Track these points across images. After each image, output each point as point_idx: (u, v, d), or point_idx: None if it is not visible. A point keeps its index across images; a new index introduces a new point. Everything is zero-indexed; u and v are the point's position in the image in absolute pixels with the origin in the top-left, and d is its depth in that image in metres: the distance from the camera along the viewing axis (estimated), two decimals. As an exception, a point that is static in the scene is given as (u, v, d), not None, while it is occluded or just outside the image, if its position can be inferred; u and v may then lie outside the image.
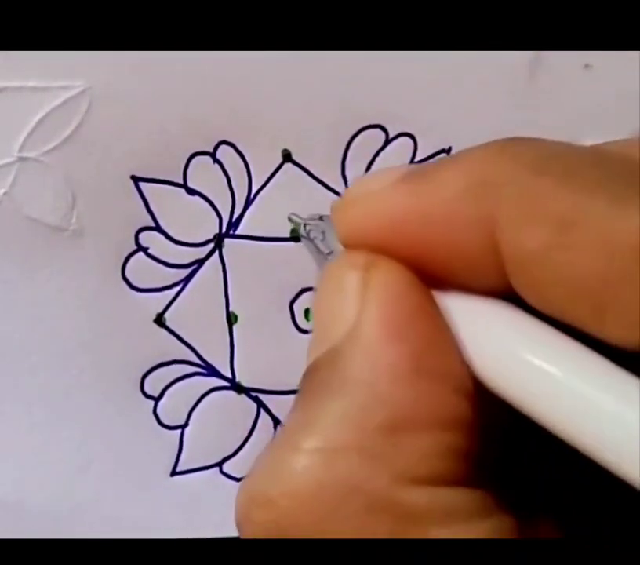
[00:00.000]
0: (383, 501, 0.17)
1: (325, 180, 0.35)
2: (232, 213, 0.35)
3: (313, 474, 0.18)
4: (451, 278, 0.19)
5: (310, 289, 0.35)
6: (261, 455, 0.19)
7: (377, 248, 0.19)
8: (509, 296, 0.18)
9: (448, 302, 0.19)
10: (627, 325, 0.16)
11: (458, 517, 0.17)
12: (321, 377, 0.19)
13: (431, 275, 0.19)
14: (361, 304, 0.19)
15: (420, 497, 0.17)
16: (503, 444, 0.19)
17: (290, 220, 0.27)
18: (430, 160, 0.35)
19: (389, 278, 0.19)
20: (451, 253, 0.18)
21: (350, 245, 0.20)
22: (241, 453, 0.36)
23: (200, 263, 0.35)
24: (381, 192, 0.19)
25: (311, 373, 0.19)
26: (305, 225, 0.23)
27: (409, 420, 0.18)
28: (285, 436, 0.18)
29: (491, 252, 0.18)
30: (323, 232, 0.23)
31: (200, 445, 0.36)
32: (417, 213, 0.19)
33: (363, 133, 0.34)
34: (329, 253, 0.22)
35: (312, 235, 0.23)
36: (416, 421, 0.18)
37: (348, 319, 0.19)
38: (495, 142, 0.19)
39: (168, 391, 0.36)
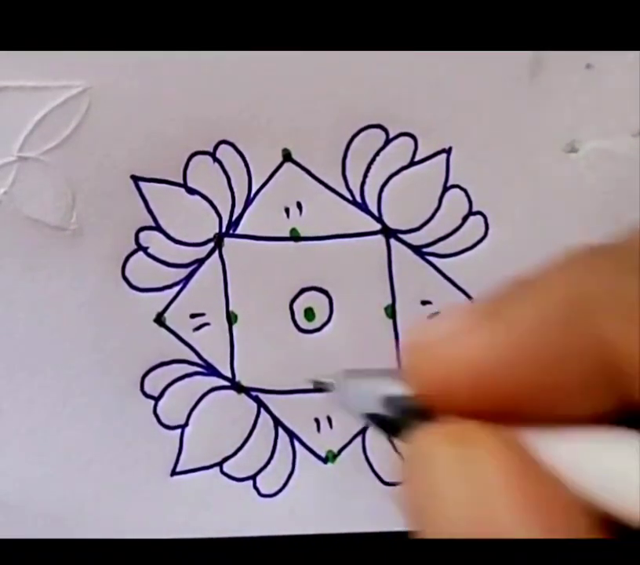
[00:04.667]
0: None
1: (325, 180, 0.35)
2: (232, 212, 0.35)
3: None
4: (549, 412, 0.17)
5: (309, 288, 0.35)
6: None
7: (466, 404, 0.17)
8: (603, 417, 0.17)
9: (555, 447, 0.17)
10: None
11: None
12: None
13: (522, 416, 0.17)
14: (476, 494, 0.16)
15: None
16: None
17: (315, 384, 0.24)
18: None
19: (498, 452, 0.16)
20: (558, 386, 0.16)
21: (433, 402, 0.18)
22: (241, 452, 0.36)
23: (200, 262, 0.35)
24: (456, 337, 0.17)
25: None
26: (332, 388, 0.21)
27: None
28: None
29: (605, 370, 0.16)
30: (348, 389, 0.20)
31: (200, 445, 0.36)
32: (507, 353, 0.17)
33: (363, 133, 0.34)
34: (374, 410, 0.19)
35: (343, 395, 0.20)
36: None
37: (472, 513, 0.16)
38: (574, 255, 0.17)
39: (168, 391, 0.36)
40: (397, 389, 0.19)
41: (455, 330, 0.17)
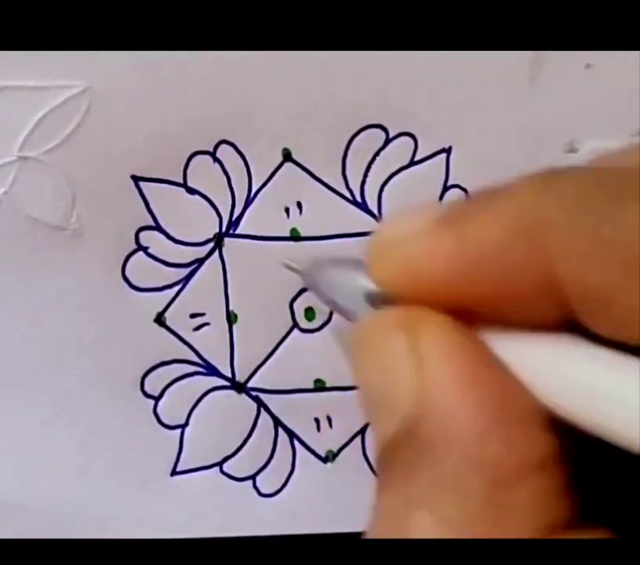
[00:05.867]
0: None
1: (325, 180, 0.35)
2: (232, 212, 0.35)
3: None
4: (501, 317, 0.18)
5: (310, 288, 0.35)
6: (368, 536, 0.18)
7: (421, 298, 0.18)
8: (560, 323, 0.18)
9: (502, 343, 0.18)
10: None
11: None
12: (405, 456, 0.18)
13: (479, 316, 0.18)
14: (418, 371, 0.18)
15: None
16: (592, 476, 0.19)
17: (287, 267, 0.25)
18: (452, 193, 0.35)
19: (439, 335, 0.18)
20: (504, 295, 0.18)
21: (392, 294, 0.19)
22: (241, 452, 0.36)
23: (200, 262, 0.35)
24: (421, 237, 0.18)
25: (390, 453, 0.18)
26: (305, 276, 0.22)
27: (512, 472, 0.17)
28: (391, 520, 0.18)
29: (550, 288, 0.17)
30: (323, 280, 0.22)
31: (200, 444, 0.36)
32: (464, 257, 0.18)
33: (363, 133, 0.34)
34: (346, 298, 0.21)
35: (317, 283, 0.22)
36: (519, 471, 0.17)
37: (410, 388, 0.18)
38: (534, 177, 0.18)
39: (168, 391, 0.36)
40: (364, 281, 0.20)
41: (420, 231, 0.18)
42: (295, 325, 0.36)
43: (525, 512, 0.17)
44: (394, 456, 0.18)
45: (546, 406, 0.18)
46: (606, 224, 0.16)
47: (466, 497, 0.17)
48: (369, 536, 0.18)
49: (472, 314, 0.18)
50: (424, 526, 0.17)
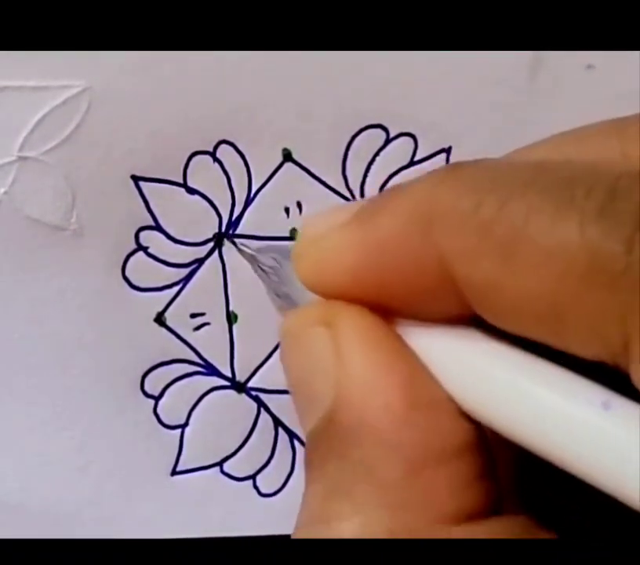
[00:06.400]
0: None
1: (325, 180, 0.35)
2: (232, 212, 0.35)
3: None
4: (412, 310, 0.19)
5: (310, 288, 0.35)
6: (297, 530, 0.19)
7: (338, 293, 0.19)
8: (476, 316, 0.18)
9: (413, 335, 0.19)
10: (583, 340, 0.16)
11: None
12: (326, 446, 0.18)
13: (391, 309, 0.19)
14: (338, 363, 0.18)
15: (464, 535, 0.17)
16: (518, 463, 0.19)
17: (240, 251, 0.26)
18: (424, 164, 0.35)
19: (355, 328, 0.19)
20: (408, 287, 0.18)
21: (314, 291, 0.20)
22: (241, 452, 0.36)
23: (200, 262, 0.35)
24: (333, 233, 0.19)
25: (314, 445, 0.19)
26: (259, 263, 0.23)
27: (425, 457, 0.17)
28: (316, 510, 0.18)
29: (446, 281, 0.18)
30: (278, 266, 0.22)
31: (200, 444, 0.36)
32: (368, 251, 0.18)
33: (364, 133, 0.34)
34: (280, 281, 0.22)
35: (267, 270, 0.23)
36: (433, 457, 0.17)
37: (330, 379, 0.18)
38: (437, 170, 0.18)
39: (168, 391, 0.36)
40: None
41: (335, 228, 0.19)
42: (295, 325, 0.36)
43: (441, 498, 0.17)
44: (317, 447, 0.19)
45: (452, 397, 0.18)
46: (485, 208, 0.17)
47: (381, 483, 0.17)
48: (296, 532, 0.19)
49: (387, 309, 0.19)
50: (344, 514, 0.18)
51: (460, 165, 0.18)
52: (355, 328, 0.19)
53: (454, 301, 0.18)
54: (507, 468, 0.19)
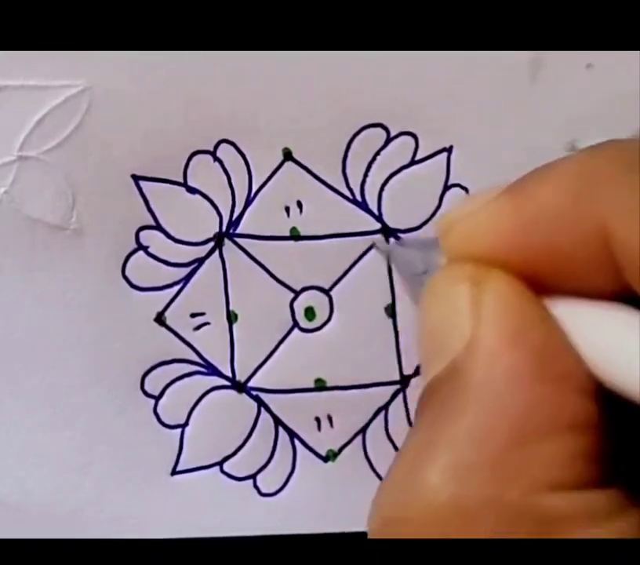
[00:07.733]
0: (521, 511, 0.17)
1: (325, 179, 0.35)
2: (232, 211, 0.35)
3: (448, 490, 0.17)
4: (562, 283, 0.19)
5: (310, 288, 0.35)
6: (386, 478, 0.19)
7: (486, 261, 0.19)
8: (623, 296, 0.18)
9: (561, 308, 0.19)
10: None
11: (599, 518, 0.17)
12: (444, 394, 0.18)
13: (542, 283, 0.19)
14: (475, 318, 0.19)
15: (559, 502, 0.17)
16: (629, 441, 0.19)
17: (375, 247, 0.26)
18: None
19: (500, 289, 0.19)
20: (561, 259, 0.18)
21: (458, 262, 0.20)
22: (241, 452, 0.36)
23: (200, 262, 0.35)
24: (485, 208, 0.19)
25: (432, 390, 0.19)
26: (389, 255, 0.23)
27: (537, 427, 0.17)
28: (413, 456, 0.18)
29: (602, 253, 0.18)
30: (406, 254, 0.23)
31: (200, 444, 0.36)
32: (523, 222, 0.19)
33: (364, 132, 0.34)
34: (424, 272, 0.22)
35: (399, 259, 0.23)
36: (544, 428, 0.18)
37: (464, 334, 0.19)
38: (588, 148, 0.19)
39: (168, 390, 0.36)
40: (438, 257, 0.21)
41: (483, 206, 0.19)
42: (295, 324, 0.36)
43: (541, 469, 0.17)
44: (434, 398, 0.19)
45: (594, 374, 0.18)
46: None
47: (488, 442, 0.17)
48: (386, 478, 0.19)
49: (537, 280, 0.19)
50: (442, 465, 0.18)
51: (613, 140, 0.19)
52: (501, 291, 0.19)
53: (609, 276, 0.18)
54: (618, 460, 0.18)
